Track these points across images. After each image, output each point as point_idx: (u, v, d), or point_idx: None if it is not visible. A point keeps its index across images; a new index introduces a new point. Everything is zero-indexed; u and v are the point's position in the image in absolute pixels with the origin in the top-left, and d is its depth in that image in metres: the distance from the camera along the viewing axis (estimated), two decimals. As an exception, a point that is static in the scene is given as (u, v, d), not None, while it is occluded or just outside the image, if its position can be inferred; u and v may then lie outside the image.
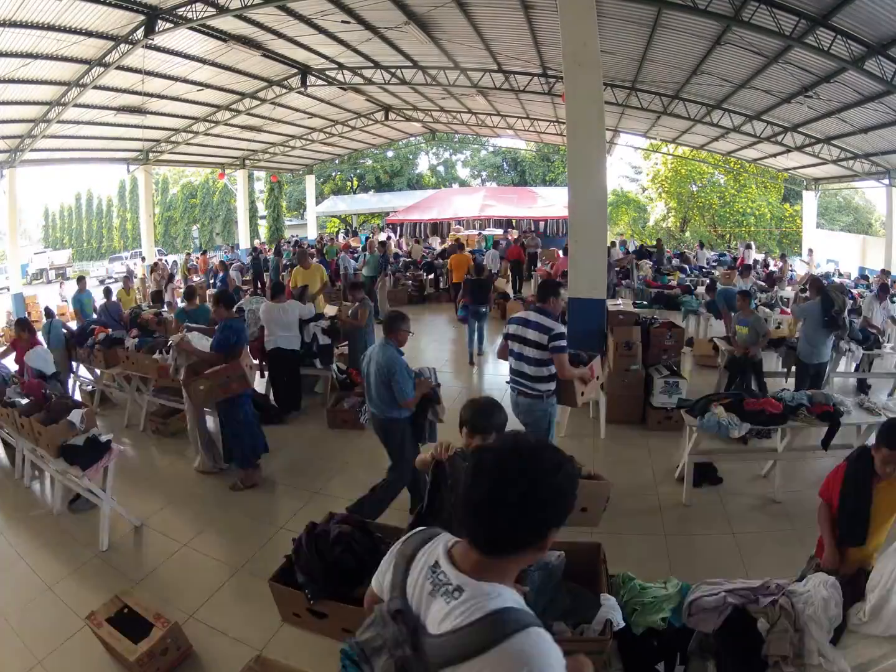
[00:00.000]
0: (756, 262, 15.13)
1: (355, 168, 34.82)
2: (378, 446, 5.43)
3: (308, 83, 13.49)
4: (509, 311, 9.38)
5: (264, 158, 21.87)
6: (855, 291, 10.83)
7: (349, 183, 36.09)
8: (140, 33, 9.33)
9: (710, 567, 3.48)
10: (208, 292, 10.80)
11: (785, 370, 6.56)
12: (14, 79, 10.08)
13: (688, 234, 26.66)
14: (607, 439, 5.56)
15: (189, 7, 8.89)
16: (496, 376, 7.51)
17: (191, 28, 9.41)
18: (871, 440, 4.30)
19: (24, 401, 4.65)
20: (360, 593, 1.47)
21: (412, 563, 1.20)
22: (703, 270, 13.40)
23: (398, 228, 23.59)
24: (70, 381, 7.18)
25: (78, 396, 7.12)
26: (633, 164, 32.14)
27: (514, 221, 22.49)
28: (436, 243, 20.06)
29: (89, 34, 9.28)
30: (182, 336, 5.09)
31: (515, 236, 17.60)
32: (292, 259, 13.83)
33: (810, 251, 16.25)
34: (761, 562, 3.49)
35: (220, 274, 13.45)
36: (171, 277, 13.37)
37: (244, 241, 22.76)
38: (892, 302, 8.43)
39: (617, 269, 10.68)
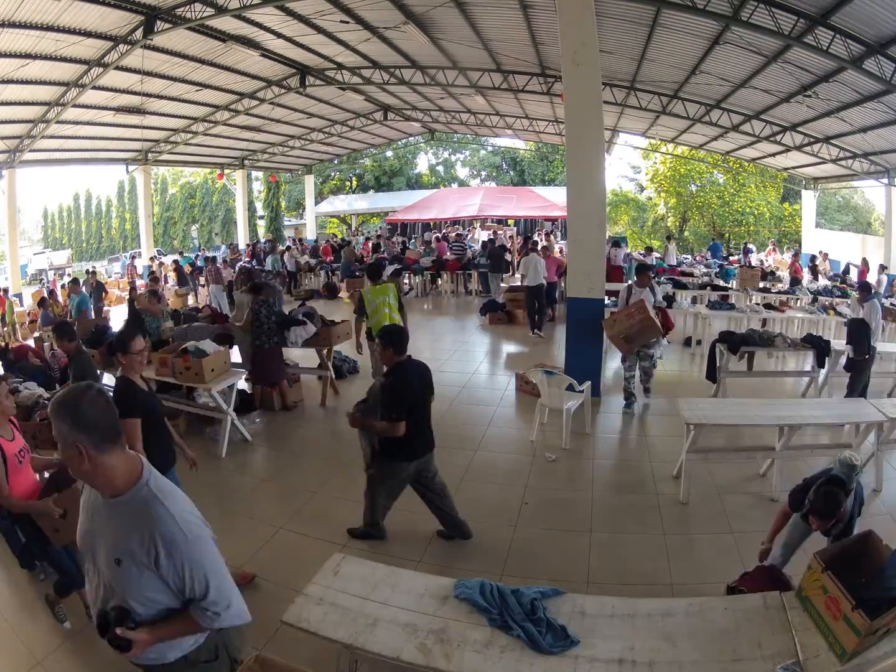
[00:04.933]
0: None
1: (354, 168, 34.83)
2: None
3: (307, 83, 13.49)
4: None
5: (263, 158, 21.88)
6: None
7: (348, 183, 36.09)
8: (139, 33, 9.34)
9: (710, 566, 3.48)
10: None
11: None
12: (13, 79, 10.09)
13: (687, 233, 26.67)
14: (604, 439, 5.57)
15: (188, 7, 8.89)
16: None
17: (189, 28, 9.41)
18: (871, 439, 4.35)
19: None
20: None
21: None
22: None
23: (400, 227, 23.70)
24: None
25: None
26: (633, 165, 32.22)
27: (511, 221, 22.56)
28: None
29: (88, 34, 9.29)
30: None
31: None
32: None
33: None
34: (760, 561, 3.50)
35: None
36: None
37: (243, 241, 22.78)
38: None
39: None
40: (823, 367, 6.38)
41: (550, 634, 2.14)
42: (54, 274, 23.51)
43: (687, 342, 8.84)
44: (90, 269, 16.25)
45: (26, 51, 9.35)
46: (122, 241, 38.29)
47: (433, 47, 11.36)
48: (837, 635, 1.98)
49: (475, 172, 38.16)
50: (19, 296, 14.55)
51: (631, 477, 4.67)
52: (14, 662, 2.86)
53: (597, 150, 6.23)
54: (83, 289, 10.52)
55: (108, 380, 6.74)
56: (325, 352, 6.66)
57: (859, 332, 5.70)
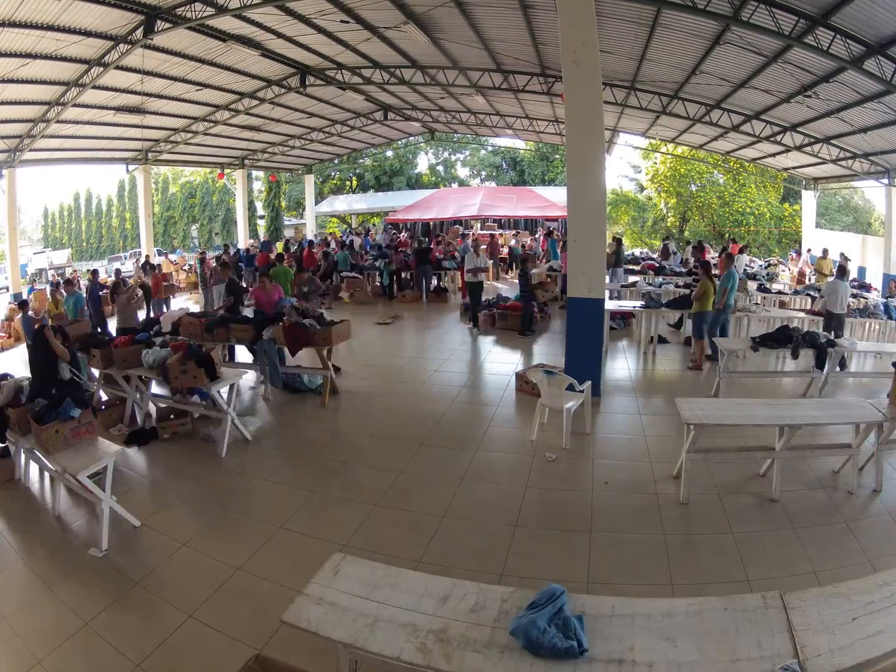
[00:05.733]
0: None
1: (354, 168, 34.83)
2: (377, 445, 5.46)
3: (307, 83, 13.49)
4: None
5: (263, 158, 21.88)
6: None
7: (348, 182, 36.08)
8: (139, 33, 9.33)
9: (710, 566, 3.49)
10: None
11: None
12: (13, 79, 10.09)
13: (687, 233, 26.67)
14: (604, 439, 5.57)
15: (188, 7, 8.88)
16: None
17: (190, 28, 9.40)
18: (871, 439, 4.35)
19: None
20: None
21: None
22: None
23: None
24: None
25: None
26: (633, 164, 32.22)
27: (511, 221, 22.59)
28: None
29: (88, 34, 9.28)
30: None
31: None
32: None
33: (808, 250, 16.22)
34: (760, 561, 3.50)
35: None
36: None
37: (243, 241, 22.79)
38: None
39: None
40: (823, 369, 6.38)
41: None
42: (55, 274, 23.47)
43: (687, 342, 8.83)
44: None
45: (26, 50, 9.35)
46: (123, 240, 38.29)
47: (433, 47, 11.35)
48: None
49: (475, 172, 38.17)
50: (19, 295, 14.54)
51: (631, 477, 4.67)
52: (14, 662, 2.87)
53: (597, 150, 6.23)
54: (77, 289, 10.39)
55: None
56: (325, 352, 6.66)
57: None
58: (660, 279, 11.56)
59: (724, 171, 24.71)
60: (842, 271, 8.22)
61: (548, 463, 4.91)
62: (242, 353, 8.10)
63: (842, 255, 13.78)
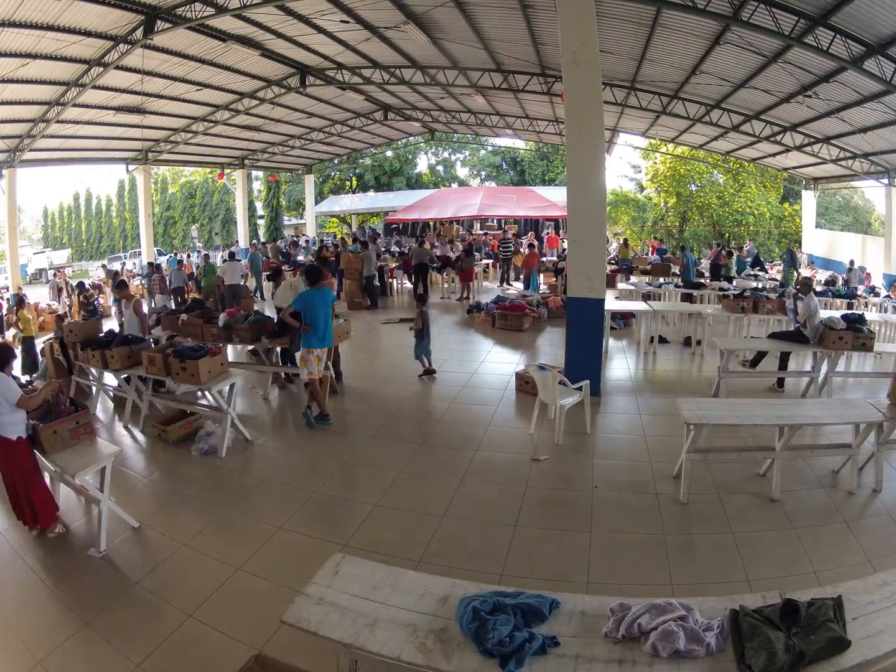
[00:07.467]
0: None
1: (354, 168, 34.84)
2: (377, 445, 5.46)
3: (307, 83, 13.50)
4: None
5: (263, 158, 21.91)
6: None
7: (348, 182, 36.09)
8: (139, 33, 9.35)
9: (710, 566, 3.49)
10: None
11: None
12: (13, 79, 10.11)
13: (687, 233, 26.67)
14: (604, 439, 5.57)
15: (188, 7, 8.89)
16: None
17: (189, 28, 9.41)
18: (871, 439, 4.35)
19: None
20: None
21: None
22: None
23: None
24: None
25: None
26: (633, 164, 32.23)
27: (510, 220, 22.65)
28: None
29: (88, 34, 9.29)
30: None
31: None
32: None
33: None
34: (760, 561, 3.50)
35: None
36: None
37: (243, 241, 22.81)
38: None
39: None
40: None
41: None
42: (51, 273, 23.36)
43: (687, 342, 8.84)
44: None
45: (26, 50, 9.36)
46: (123, 240, 38.31)
47: (433, 47, 11.36)
48: None
49: (475, 172, 38.15)
50: (17, 295, 14.50)
51: (631, 477, 4.66)
52: (14, 662, 2.86)
53: (597, 150, 6.23)
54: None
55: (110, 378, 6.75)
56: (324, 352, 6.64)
57: None
58: (660, 279, 11.57)
59: (724, 171, 24.70)
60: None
61: (548, 463, 4.91)
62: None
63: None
